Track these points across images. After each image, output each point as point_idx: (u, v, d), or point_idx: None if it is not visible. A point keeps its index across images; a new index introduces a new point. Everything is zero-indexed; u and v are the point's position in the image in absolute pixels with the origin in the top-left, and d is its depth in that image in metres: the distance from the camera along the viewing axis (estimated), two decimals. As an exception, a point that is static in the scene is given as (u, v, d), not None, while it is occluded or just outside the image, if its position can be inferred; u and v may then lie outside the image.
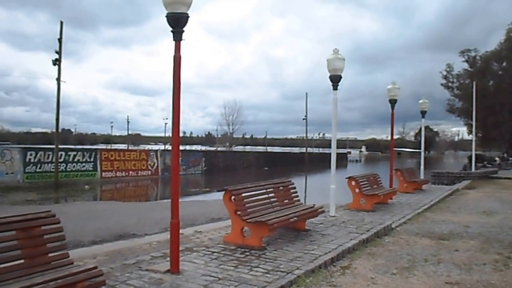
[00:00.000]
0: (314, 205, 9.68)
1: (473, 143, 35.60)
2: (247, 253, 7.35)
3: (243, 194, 8.15)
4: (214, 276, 6.06)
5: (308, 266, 6.62)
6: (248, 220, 7.72)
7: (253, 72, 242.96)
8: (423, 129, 23.29)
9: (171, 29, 6.13)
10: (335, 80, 11.37)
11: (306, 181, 40.92)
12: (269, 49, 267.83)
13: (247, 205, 8.11)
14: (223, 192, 7.94)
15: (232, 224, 8.10)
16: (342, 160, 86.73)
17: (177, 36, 6.16)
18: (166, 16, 6.10)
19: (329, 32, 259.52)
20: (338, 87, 11.49)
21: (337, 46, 11.29)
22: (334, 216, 11.24)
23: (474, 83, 35.08)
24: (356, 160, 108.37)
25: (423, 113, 21.33)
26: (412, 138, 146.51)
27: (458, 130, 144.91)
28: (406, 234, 9.76)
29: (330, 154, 12.20)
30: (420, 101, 21.35)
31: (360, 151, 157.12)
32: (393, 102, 16.01)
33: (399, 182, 18.00)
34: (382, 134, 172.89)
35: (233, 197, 7.86)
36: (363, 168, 75.53)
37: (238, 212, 7.81)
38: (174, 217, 6.24)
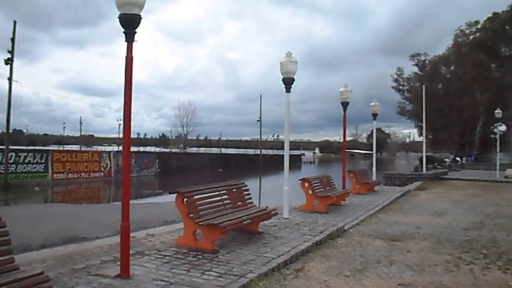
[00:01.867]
0: (267, 207, 9.69)
1: (424, 144, 36.58)
2: (200, 257, 7.26)
3: (196, 196, 8.04)
4: (165, 281, 5.96)
5: (261, 269, 6.59)
6: (200, 223, 7.63)
7: (209, 74, 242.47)
8: (374, 131, 23.67)
9: (123, 30, 6.03)
10: (288, 82, 11.44)
11: (260, 183, 41.03)
12: (224, 51, 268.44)
13: (199, 208, 8.02)
14: (175, 194, 7.85)
15: (184, 227, 8.00)
16: (296, 162, 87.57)
17: (129, 37, 6.06)
18: (119, 17, 5.99)
19: (284, 36, 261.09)
20: (291, 89, 11.57)
21: (292, 50, 11.37)
22: (287, 218, 11.25)
23: (424, 86, 36.01)
24: (310, 162, 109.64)
25: (375, 115, 21.65)
26: (365, 140, 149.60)
27: (409, 132, 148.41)
28: (359, 236, 9.85)
29: (284, 155, 12.22)
30: (372, 103, 21.65)
31: (314, 153, 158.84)
32: (345, 104, 16.17)
33: (351, 183, 18.20)
34: (336, 136, 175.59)
35: (185, 199, 7.76)
36: (317, 169, 76.32)
37: (191, 215, 7.72)
38: (124, 220, 6.12)
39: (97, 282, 5.87)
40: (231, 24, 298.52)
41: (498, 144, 33.05)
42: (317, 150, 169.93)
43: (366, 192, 18.24)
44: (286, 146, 12.07)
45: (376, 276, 6.74)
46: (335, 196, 13.37)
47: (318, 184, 13.70)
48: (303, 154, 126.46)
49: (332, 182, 14.91)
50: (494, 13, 58.20)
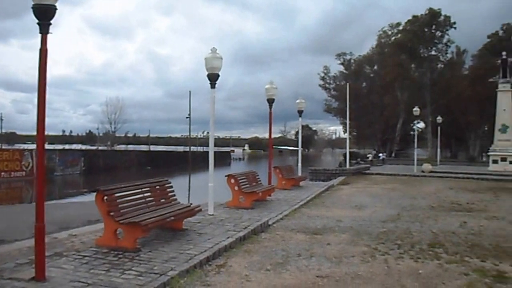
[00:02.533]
0: (191, 204, 9.65)
1: (347, 141, 37.61)
2: (120, 256, 7.11)
3: (117, 194, 7.88)
4: (83, 282, 5.80)
5: (183, 266, 6.56)
6: (121, 221, 7.47)
7: (138, 70, 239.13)
8: (300, 128, 24.17)
9: (37, 21, 5.80)
10: (213, 78, 11.45)
11: (189, 180, 40.85)
12: (154, 46, 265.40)
13: (120, 206, 7.84)
14: (95, 193, 7.65)
15: (104, 226, 7.79)
16: (226, 159, 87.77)
17: (44, 29, 5.82)
18: (32, 8, 5.75)
19: (215, 32, 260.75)
20: (216, 85, 11.60)
21: (223, 47, 11.57)
22: (212, 215, 11.23)
23: (348, 84, 36.99)
24: (240, 158, 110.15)
25: (300, 112, 22.04)
26: (293, 137, 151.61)
27: (336, 129, 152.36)
28: (282, 230, 10.00)
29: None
30: (297, 101, 22.02)
31: (244, 150, 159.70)
32: (271, 101, 16.30)
33: (278, 179, 18.40)
34: (265, 133, 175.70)
35: (105, 197, 7.56)
36: (246, 166, 76.72)
37: (111, 213, 7.53)
38: (39, 221, 5.90)
39: (11, 286, 5.64)
40: (160, 19, 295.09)
41: (416, 140, 34.75)
42: (246, 147, 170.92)
43: (291, 188, 18.49)
44: (211, 142, 12.05)
45: (296, 269, 6.89)
46: (260, 192, 13.50)
47: (244, 180, 13.77)
48: (233, 151, 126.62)
49: (258, 178, 15.03)
50: (414, 16, 60.83)
